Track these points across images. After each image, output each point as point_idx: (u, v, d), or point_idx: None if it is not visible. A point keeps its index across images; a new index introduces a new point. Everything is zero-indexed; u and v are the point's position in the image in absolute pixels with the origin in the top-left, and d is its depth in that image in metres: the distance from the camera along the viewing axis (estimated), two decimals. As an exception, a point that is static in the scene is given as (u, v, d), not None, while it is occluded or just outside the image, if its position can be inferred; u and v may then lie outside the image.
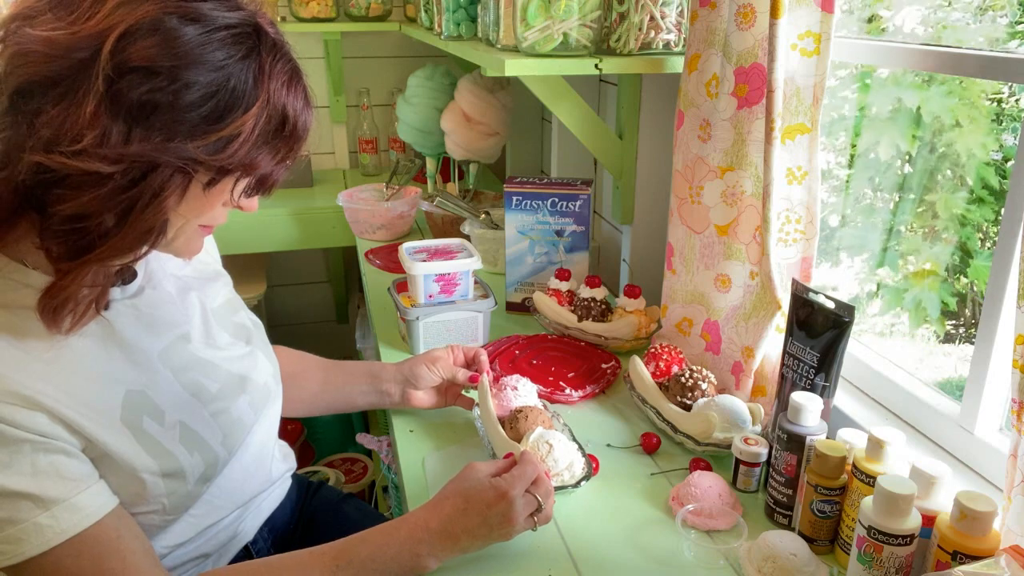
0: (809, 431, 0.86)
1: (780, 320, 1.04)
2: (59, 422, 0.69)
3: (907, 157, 1.21)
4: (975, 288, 1.18)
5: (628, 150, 1.45)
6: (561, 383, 1.20)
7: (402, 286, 1.35)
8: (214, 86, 0.66)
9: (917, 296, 1.21)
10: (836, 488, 0.82)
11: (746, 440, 0.95)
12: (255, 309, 1.11)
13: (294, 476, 1.08)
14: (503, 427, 1.00)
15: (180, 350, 0.84)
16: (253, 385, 0.91)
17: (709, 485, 0.91)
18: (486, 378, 1.07)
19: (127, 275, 0.82)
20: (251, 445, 0.91)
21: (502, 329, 1.39)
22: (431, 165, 2.14)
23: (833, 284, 1.36)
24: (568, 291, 1.38)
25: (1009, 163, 1.03)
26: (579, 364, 1.26)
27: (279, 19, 2.27)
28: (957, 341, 1.24)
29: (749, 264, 1.10)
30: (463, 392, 1.13)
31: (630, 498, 0.95)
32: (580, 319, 1.32)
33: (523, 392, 1.06)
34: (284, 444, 1.05)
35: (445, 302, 1.28)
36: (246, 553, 0.96)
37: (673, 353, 1.16)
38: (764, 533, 0.81)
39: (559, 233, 1.41)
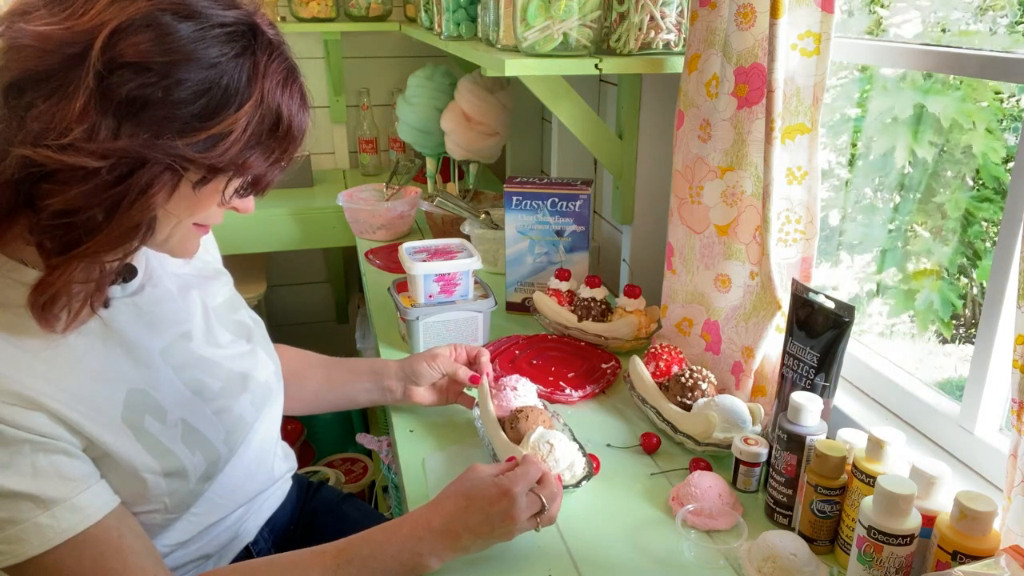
0: (809, 431, 0.86)
1: (780, 320, 1.04)
2: (59, 422, 0.69)
3: (911, 158, 1.21)
4: (975, 289, 1.18)
5: (628, 150, 1.45)
6: (561, 383, 1.20)
7: (402, 286, 1.35)
8: (206, 83, 0.65)
9: (928, 298, 1.21)
10: (836, 488, 0.82)
11: (746, 440, 0.95)
12: (255, 309, 1.11)
13: (294, 476, 1.08)
14: (503, 427, 1.00)
15: (182, 348, 0.84)
16: (255, 383, 0.91)
17: (709, 485, 0.91)
18: (486, 378, 1.07)
19: (127, 273, 0.82)
20: (253, 443, 0.91)
21: (502, 329, 1.39)
22: (431, 165, 2.14)
23: (833, 284, 1.37)
24: (568, 291, 1.38)
25: (1009, 164, 1.03)
26: (579, 364, 1.26)
27: (279, 19, 2.27)
28: (957, 341, 1.24)
29: (749, 264, 1.10)
30: (464, 391, 1.13)
31: (630, 498, 0.95)
32: (580, 319, 1.32)
33: (523, 392, 1.06)
34: (285, 444, 1.05)
35: (445, 302, 1.28)
36: (247, 553, 0.96)
37: (673, 353, 1.16)
38: (764, 533, 0.81)
39: (559, 233, 1.41)
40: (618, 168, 1.46)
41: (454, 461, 1.02)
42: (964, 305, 1.21)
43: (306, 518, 1.09)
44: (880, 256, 1.32)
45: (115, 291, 0.80)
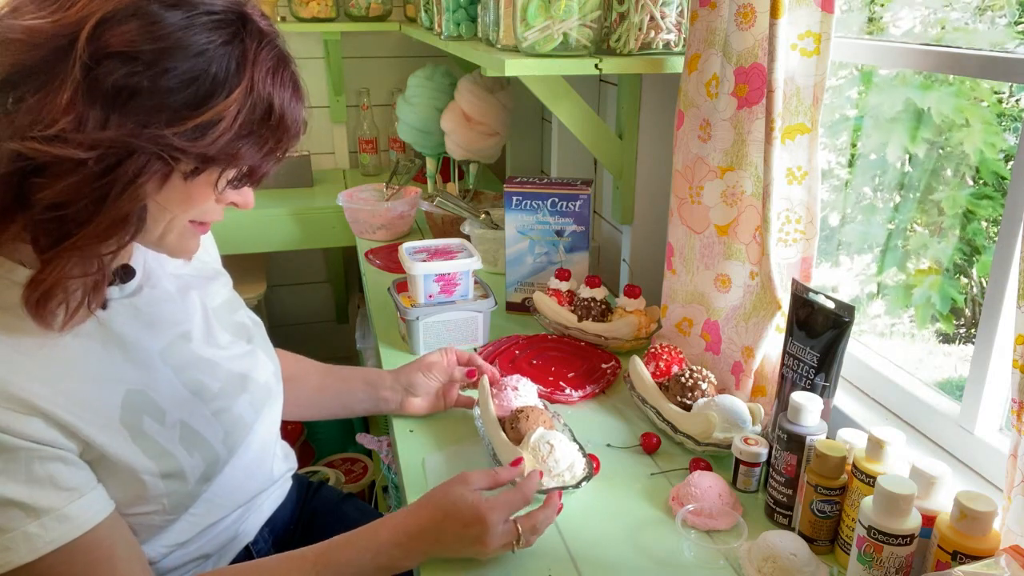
0: (809, 431, 0.86)
1: (780, 320, 1.04)
2: (56, 426, 0.69)
3: (908, 156, 1.21)
4: (975, 288, 1.18)
5: (628, 150, 1.45)
6: (561, 383, 1.20)
7: (402, 286, 1.35)
8: (194, 71, 0.65)
9: (926, 293, 1.21)
10: (836, 488, 0.82)
11: (746, 440, 0.95)
12: (255, 309, 1.11)
13: (294, 476, 1.08)
14: (504, 427, 1.00)
15: (181, 349, 0.84)
16: (254, 384, 0.91)
17: (709, 485, 0.91)
18: (486, 379, 1.07)
19: (125, 274, 0.81)
20: (252, 444, 0.91)
21: (502, 329, 1.39)
22: (431, 165, 2.14)
23: (833, 284, 1.37)
24: (568, 291, 1.38)
25: (1009, 164, 1.03)
26: (579, 364, 1.26)
27: (279, 19, 2.27)
28: (957, 341, 1.24)
29: (749, 264, 1.10)
30: (461, 391, 1.13)
31: (630, 498, 0.95)
32: (580, 319, 1.32)
33: (523, 392, 1.06)
34: (285, 444, 1.05)
35: (445, 302, 1.28)
36: (247, 554, 0.95)
37: (673, 353, 1.16)
38: (764, 533, 0.81)
39: (559, 233, 1.41)
40: (618, 168, 1.46)
41: (454, 461, 1.02)
42: (964, 304, 1.20)
43: (306, 518, 1.09)
44: (880, 257, 1.32)
45: (113, 292, 0.79)
